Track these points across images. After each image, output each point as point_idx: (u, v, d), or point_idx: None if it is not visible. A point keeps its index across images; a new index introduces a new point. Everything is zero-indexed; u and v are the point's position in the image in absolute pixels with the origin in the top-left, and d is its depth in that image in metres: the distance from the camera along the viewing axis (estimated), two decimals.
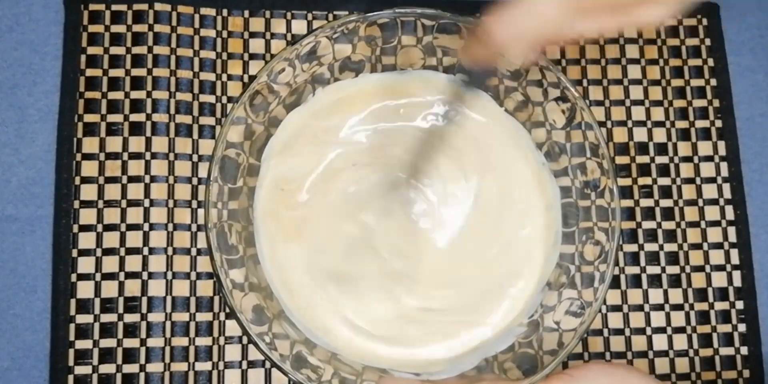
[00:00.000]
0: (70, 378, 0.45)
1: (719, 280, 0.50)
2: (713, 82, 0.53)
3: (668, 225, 0.50)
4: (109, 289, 0.46)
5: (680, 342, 0.49)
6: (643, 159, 0.51)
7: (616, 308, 0.49)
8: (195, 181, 0.48)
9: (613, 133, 0.51)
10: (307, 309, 0.45)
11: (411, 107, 0.48)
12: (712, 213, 0.51)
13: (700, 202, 0.51)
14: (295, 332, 0.44)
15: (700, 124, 0.52)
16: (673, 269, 0.50)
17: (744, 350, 0.49)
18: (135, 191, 0.47)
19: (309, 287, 0.45)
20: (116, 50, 0.49)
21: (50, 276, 0.46)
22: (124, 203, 0.47)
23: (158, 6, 0.50)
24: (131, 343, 0.46)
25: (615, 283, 0.49)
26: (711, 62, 0.53)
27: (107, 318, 0.46)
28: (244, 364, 0.46)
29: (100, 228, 0.47)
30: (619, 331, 0.49)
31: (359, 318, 0.45)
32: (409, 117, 0.48)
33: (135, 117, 0.48)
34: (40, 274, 0.47)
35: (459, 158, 0.47)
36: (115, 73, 0.49)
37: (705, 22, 0.54)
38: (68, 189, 0.47)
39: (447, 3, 0.51)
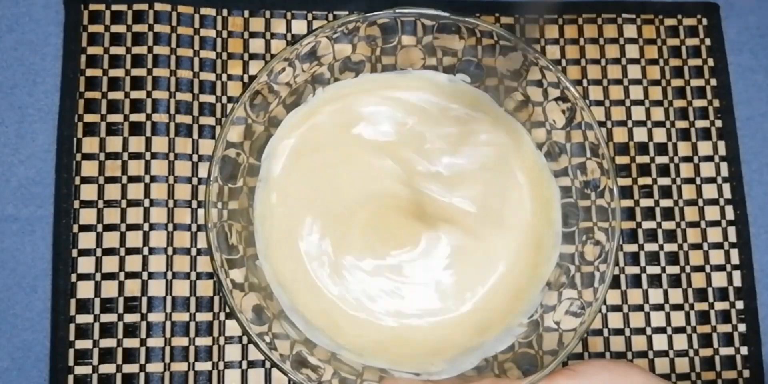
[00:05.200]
0: (70, 378, 0.45)
1: (719, 280, 0.50)
2: (713, 82, 0.53)
3: (668, 225, 0.50)
4: (109, 289, 0.46)
5: (680, 342, 0.49)
6: (643, 159, 0.51)
7: (616, 308, 0.49)
8: (195, 181, 0.48)
9: (613, 133, 0.51)
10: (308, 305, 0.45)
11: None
12: (712, 213, 0.51)
13: (700, 202, 0.51)
14: (295, 332, 0.44)
15: (700, 124, 0.52)
16: (673, 269, 0.50)
17: (744, 350, 0.49)
18: (135, 191, 0.47)
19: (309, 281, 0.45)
20: (116, 50, 0.49)
21: (50, 276, 0.46)
22: (124, 203, 0.47)
23: (158, 6, 0.50)
24: (131, 343, 0.46)
25: (615, 283, 0.49)
26: (711, 62, 0.53)
27: (107, 318, 0.46)
28: (244, 364, 0.46)
29: (100, 228, 0.47)
30: (619, 331, 0.49)
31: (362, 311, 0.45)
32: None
33: (135, 117, 0.48)
34: (40, 274, 0.47)
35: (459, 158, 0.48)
36: (115, 73, 0.49)
37: (705, 22, 0.54)
38: (68, 189, 0.47)
39: (447, 3, 0.52)
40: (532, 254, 0.47)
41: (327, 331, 0.45)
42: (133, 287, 0.46)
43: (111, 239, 0.47)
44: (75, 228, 0.47)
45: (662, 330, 0.49)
